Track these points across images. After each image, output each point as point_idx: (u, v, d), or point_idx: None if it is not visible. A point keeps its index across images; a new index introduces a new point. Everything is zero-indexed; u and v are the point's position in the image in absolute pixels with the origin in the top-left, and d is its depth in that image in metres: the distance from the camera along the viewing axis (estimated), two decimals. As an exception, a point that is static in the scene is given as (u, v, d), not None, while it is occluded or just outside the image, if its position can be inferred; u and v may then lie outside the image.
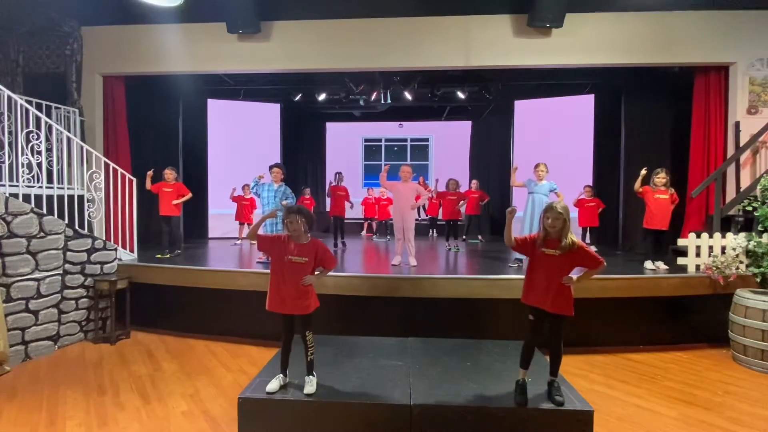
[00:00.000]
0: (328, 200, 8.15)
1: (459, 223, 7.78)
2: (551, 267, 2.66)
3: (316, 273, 2.91)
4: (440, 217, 9.41)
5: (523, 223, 5.28)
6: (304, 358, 2.86)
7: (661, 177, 4.97)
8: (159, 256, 5.58)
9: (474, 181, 8.68)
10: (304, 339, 2.86)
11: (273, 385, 2.81)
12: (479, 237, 8.48)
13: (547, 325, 2.72)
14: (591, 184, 7.20)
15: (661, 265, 4.84)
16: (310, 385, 2.81)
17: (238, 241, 7.54)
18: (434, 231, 9.48)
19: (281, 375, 2.89)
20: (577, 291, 4.26)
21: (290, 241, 2.86)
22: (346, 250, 6.92)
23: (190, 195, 6.00)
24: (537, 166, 5.39)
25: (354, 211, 9.27)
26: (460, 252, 6.79)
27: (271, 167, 5.56)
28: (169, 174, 5.90)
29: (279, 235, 2.94)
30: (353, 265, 5.64)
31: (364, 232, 9.58)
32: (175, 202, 5.82)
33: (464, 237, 8.36)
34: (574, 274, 2.68)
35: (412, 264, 5.16)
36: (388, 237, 8.57)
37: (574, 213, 6.81)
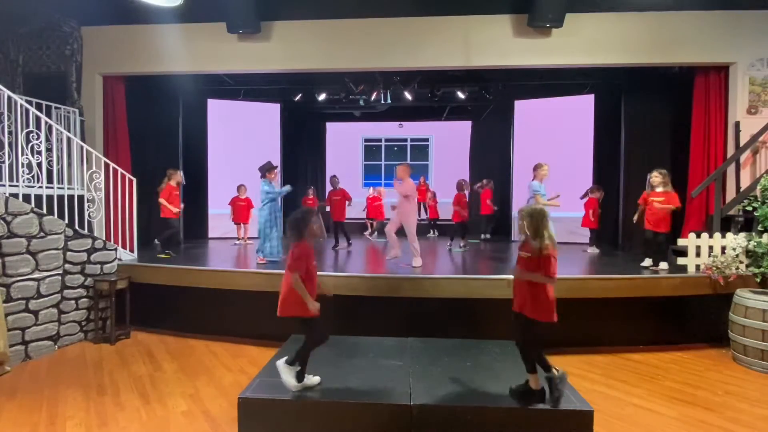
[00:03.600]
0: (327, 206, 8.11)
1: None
2: (521, 269, 2.69)
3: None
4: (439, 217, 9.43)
5: None
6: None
7: (654, 177, 4.95)
8: (162, 256, 5.61)
9: (486, 180, 8.59)
10: None
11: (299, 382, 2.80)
12: (482, 236, 8.47)
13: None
14: (593, 183, 7.18)
15: (663, 265, 4.84)
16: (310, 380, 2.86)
17: (238, 241, 7.53)
18: (435, 231, 9.48)
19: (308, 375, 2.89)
20: (578, 291, 4.28)
21: None
22: (350, 251, 6.91)
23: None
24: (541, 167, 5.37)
25: (355, 211, 9.26)
26: (460, 252, 6.78)
27: (272, 168, 5.70)
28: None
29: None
30: (353, 265, 5.64)
31: (368, 233, 9.47)
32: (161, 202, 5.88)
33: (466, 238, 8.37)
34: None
35: (416, 265, 5.07)
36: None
37: (573, 213, 6.90)
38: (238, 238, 7.62)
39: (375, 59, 6.00)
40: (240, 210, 7.59)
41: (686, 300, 4.49)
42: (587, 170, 7.73)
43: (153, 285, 4.90)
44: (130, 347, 4.54)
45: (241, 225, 7.63)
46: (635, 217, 5.19)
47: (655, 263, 4.88)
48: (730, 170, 5.53)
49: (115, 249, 5.05)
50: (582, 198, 6.94)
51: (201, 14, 5.87)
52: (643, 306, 4.46)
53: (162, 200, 5.79)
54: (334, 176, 8.06)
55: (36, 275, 4.25)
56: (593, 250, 6.62)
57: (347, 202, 7.77)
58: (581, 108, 7.86)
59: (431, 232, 9.50)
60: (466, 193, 7.76)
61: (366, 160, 13.89)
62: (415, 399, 2.70)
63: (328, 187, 8.64)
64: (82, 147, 5.25)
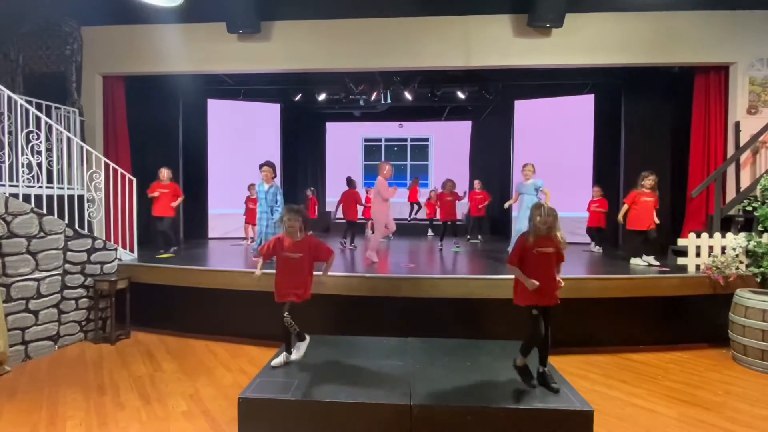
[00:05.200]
0: (339, 205, 8.06)
1: (457, 223, 7.78)
2: (549, 264, 2.82)
3: (321, 272, 3.26)
4: (437, 217, 9.39)
5: (518, 225, 5.34)
6: (293, 338, 3.18)
7: (650, 179, 5.18)
8: (162, 256, 5.58)
9: (476, 182, 8.61)
10: (284, 321, 3.08)
11: (278, 360, 3.15)
12: (479, 237, 8.48)
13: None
14: (594, 184, 7.18)
15: (652, 260, 4.98)
16: (297, 351, 3.16)
17: (244, 242, 7.52)
18: (431, 231, 9.47)
19: (285, 353, 3.19)
20: (578, 291, 4.28)
21: (286, 239, 3.17)
22: (347, 250, 6.91)
23: (182, 198, 6.15)
24: (525, 166, 5.64)
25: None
26: (460, 252, 6.77)
27: (260, 166, 5.56)
28: (165, 173, 5.95)
29: (275, 238, 3.26)
30: (353, 265, 5.63)
31: (369, 233, 9.47)
32: (173, 204, 5.92)
33: (468, 237, 8.36)
34: None
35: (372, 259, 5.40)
36: (390, 236, 8.55)
37: (573, 213, 6.90)
38: (247, 238, 7.63)
39: (375, 59, 5.99)
40: (254, 210, 7.61)
41: (686, 300, 4.49)
42: (587, 170, 7.73)
43: (153, 285, 4.90)
44: (130, 347, 4.54)
45: (249, 225, 7.67)
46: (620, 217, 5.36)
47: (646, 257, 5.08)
48: (730, 170, 5.52)
49: (115, 249, 5.05)
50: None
51: (201, 14, 5.86)
52: (643, 306, 4.46)
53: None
54: (350, 177, 8.09)
55: (36, 275, 4.25)
56: (598, 249, 6.69)
57: (359, 206, 7.80)
58: (581, 108, 7.85)
59: (428, 231, 9.49)
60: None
61: (366, 160, 13.91)
62: (415, 399, 2.69)
63: (330, 186, 8.65)
64: (82, 147, 5.24)
